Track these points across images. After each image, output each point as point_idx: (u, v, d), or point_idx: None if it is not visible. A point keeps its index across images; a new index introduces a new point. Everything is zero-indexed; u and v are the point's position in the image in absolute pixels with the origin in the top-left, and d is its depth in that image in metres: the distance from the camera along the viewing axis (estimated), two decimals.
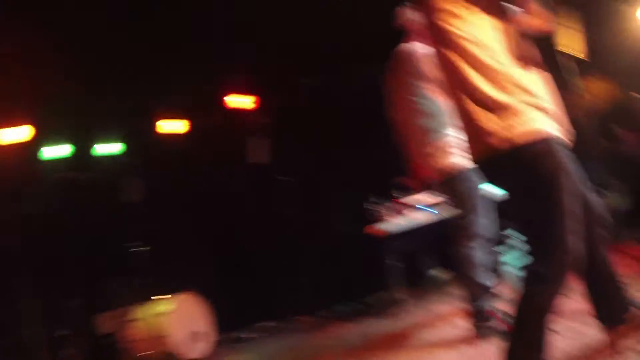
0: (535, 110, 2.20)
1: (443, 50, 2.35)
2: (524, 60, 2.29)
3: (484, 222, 3.85)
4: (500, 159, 2.19)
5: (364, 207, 6.15)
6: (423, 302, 5.76)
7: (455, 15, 2.27)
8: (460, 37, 2.25)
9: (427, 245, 6.55)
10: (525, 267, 2.23)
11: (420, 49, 3.89)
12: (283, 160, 7.81)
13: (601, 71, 7.02)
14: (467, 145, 2.42)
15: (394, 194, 6.01)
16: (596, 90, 6.90)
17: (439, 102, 3.78)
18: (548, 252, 2.13)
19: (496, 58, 2.22)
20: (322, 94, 7.64)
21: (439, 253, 6.58)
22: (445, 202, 4.42)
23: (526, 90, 2.21)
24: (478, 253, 3.76)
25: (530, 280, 2.19)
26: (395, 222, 5.58)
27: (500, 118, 2.17)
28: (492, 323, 3.58)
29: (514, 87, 2.20)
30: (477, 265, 3.73)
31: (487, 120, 2.20)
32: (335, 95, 7.71)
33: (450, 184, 3.88)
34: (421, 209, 5.71)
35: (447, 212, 4.30)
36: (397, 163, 5.18)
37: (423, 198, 5.82)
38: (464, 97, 2.28)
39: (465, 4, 2.27)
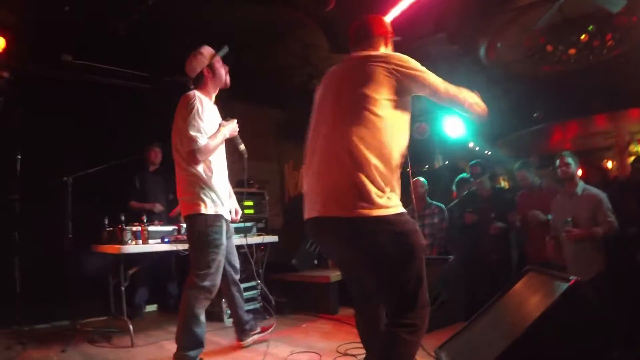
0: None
1: None
2: None
3: (233, 266, 4.80)
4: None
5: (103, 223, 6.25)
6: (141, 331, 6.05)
7: None
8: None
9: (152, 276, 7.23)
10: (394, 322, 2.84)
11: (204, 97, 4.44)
12: None
13: None
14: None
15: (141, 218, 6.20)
16: None
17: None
18: (417, 307, 2.83)
19: None
20: None
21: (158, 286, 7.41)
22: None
23: None
24: (204, 303, 4.28)
25: (405, 330, 2.78)
26: (133, 245, 5.67)
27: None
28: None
29: None
30: (198, 315, 4.22)
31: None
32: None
33: (194, 224, 4.31)
34: (162, 239, 5.93)
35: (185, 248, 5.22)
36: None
37: (166, 229, 6.12)
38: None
39: None
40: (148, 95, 7.96)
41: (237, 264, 4.98)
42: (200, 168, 4.30)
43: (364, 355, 3.50)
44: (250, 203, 7.37)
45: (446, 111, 9.57)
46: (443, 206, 7.51)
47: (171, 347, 4.99)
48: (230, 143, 4.73)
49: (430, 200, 7.49)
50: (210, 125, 4.38)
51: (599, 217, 5.52)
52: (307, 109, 8.19)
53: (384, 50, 3.32)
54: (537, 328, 3.45)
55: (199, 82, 4.54)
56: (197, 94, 4.37)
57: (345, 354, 4.72)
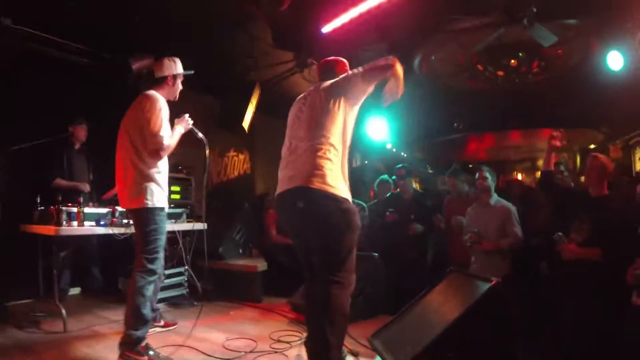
0: None
1: None
2: None
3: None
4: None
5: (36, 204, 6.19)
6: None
7: None
8: None
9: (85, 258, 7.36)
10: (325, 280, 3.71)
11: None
12: None
13: None
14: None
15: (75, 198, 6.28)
16: None
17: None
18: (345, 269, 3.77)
19: None
20: None
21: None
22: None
23: None
24: (152, 286, 4.64)
25: (335, 286, 3.68)
26: (70, 227, 5.70)
27: None
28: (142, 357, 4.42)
29: None
30: (147, 296, 4.57)
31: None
32: None
33: (144, 216, 4.62)
34: (97, 222, 5.97)
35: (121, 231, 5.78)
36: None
37: (101, 212, 6.10)
38: None
39: None
40: (85, 69, 7.82)
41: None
42: (154, 164, 4.61)
43: (297, 341, 4.33)
44: (177, 189, 7.47)
45: (370, 114, 10.10)
46: (364, 204, 7.97)
47: (105, 331, 5.27)
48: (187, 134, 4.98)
49: (352, 199, 7.87)
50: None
51: (507, 228, 6.18)
52: (240, 99, 8.42)
53: None
54: (462, 321, 3.91)
55: (159, 84, 4.80)
56: (158, 95, 4.67)
57: (279, 340, 5.06)
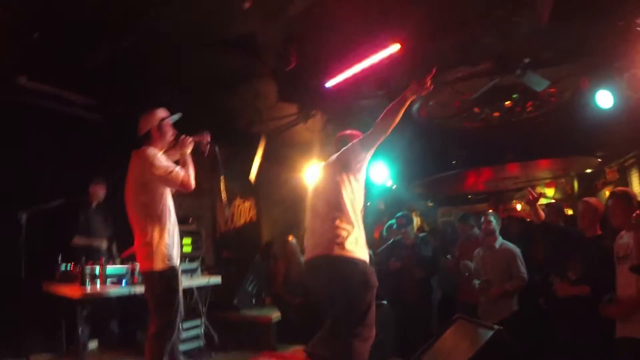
0: None
1: None
2: None
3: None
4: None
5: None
6: None
7: None
8: None
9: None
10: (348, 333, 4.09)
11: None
12: None
13: None
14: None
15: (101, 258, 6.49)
16: None
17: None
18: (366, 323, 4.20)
19: None
20: None
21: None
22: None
23: None
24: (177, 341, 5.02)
25: (357, 339, 4.08)
26: (93, 288, 5.89)
27: None
28: None
29: None
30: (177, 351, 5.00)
31: None
32: None
33: (161, 278, 4.69)
34: (119, 280, 6.19)
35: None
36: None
37: (121, 270, 6.35)
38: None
39: None
40: (97, 126, 8.17)
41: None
42: (160, 226, 4.71)
43: None
44: (188, 241, 7.47)
45: (372, 159, 10.48)
46: (371, 252, 8.30)
47: None
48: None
49: None
50: None
51: (512, 270, 6.60)
52: (245, 149, 8.78)
53: None
54: None
55: (147, 140, 4.90)
56: (150, 147, 4.82)
57: None
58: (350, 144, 4.58)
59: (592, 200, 5.71)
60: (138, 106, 7.63)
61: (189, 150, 4.94)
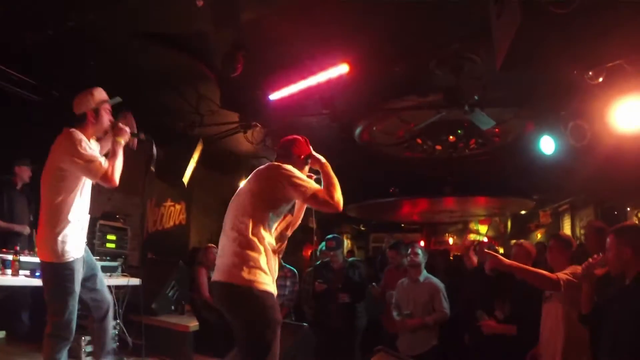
0: None
1: None
2: None
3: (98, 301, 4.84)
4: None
5: None
6: None
7: None
8: None
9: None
10: None
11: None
12: None
13: None
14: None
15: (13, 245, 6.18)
16: None
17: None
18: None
19: None
20: None
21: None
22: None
23: None
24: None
25: None
26: (4, 276, 5.60)
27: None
28: None
29: None
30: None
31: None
32: None
33: (53, 271, 4.40)
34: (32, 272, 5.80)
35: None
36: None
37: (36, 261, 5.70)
38: None
39: None
40: (32, 106, 7.88)
41: (105, 298, 4.96)
42: (62, 216, 4.38)
43: None
44: (113, 237, 7.25)
45: None
46: (295, 270, 8.25)
47: None
48: None
49: (284, 263, 8.10)
50: None
51: (435, 304, 6.63)
52: (183, 152, 8.68)
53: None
54: None
55: (81, 123, 4.54)
56: (77, 131, 4.44)
57: None
58: (280, 183, 3.93)
59: (525, 243, 5.95)
60: (77, 91, 7.61)
61: (123, 141, 4.58)
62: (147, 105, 8.07)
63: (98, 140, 4.78)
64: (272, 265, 3.89)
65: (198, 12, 5.54)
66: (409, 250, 7.01)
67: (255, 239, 3.78)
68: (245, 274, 3.66)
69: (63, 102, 7.58)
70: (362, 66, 6.44)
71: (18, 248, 6.04)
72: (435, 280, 6.84)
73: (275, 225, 4.07)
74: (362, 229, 21.39)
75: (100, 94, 4.68)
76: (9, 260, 5.71)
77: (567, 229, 15.00)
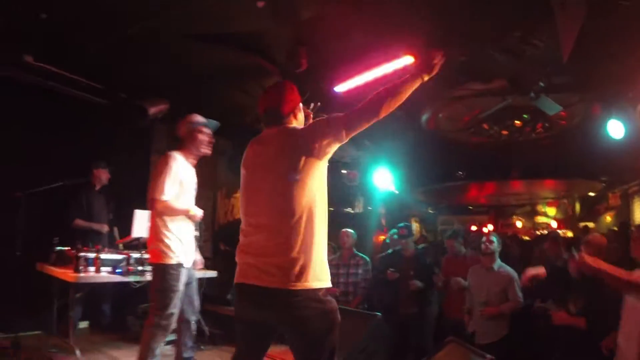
0: None
1: None
2: None
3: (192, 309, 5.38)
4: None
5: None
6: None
7: None
8: None
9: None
10: None
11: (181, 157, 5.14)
12: None
13: None
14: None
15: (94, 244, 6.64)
16: None
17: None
18: None
19: None
20: None
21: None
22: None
23: None
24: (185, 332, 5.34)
25: None
26: (87, 274, 5.98)
27: None
28: None
29: None
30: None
31: None
32: None
33: (163, 271, 4.96)
34: (113, 269, 6.27)
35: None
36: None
37: (117, 258, 6.42)
38: None
39: None
40: (102, 110, 8.22)
41: (195, 305, 5.54)
42: (167, 220, 5.01)
43: None
44: None
45: (377, 164, 10.54)
46: (368, 258, 8.32)
47: None
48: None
49: (356, 252, 8.22)
50: (185, 183, 5.12)
51: (509, 294, 6.58)
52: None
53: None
54: None
55: (180, 144, 5.22)
56: (175, 154, 5.09)
57: None
58: (318, 119, 3.40)
59: (593, 238, 5.78)
60: (143, 94, 7.84)
61: (192, 213, 5.17)
62: (213, 102, 8.27)
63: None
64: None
65: (259, 12, 5.62)
66: (484, 238, 6.96)
67: (314, 227, 3.20)
68: (310, 277, 3.12)
69: (130, 104, 7.94)
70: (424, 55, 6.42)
71: (100, 247, 6.50)
72: (509, 269, 6.78)
73: None
74: (430, 212, 21.31)
75: (196, 118, 5.25)
76: (92, 258, 6.09)
77: (637, 212, 14.68)
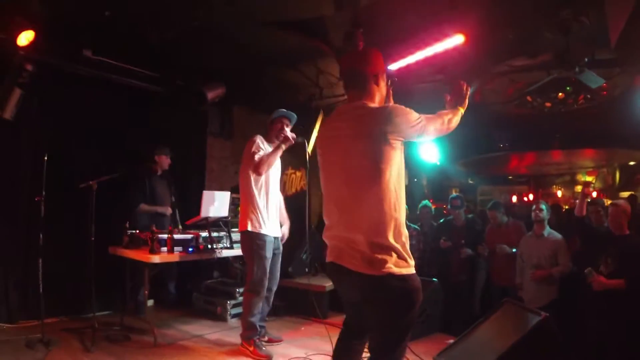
0: None
1: None
2: None
3: (271, 279, 6.19)
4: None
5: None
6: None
7: None
8: None
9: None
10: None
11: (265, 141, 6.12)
12: None
13: None
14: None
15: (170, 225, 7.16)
16: None
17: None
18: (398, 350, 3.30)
19: None
20: None
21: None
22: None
23: None
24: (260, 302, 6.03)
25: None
26: (162, 254, 6.35)
27: None
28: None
29: None
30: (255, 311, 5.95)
31: None
32: None
33: (250, 240, 5.95)
34: (185, 248, 6.61)
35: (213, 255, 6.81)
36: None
37: (187, 237, 6.81)
38: None
39: None
40: (160, 97, 8.59)
41: (276, 276, 6.38)
42: (255, 193, 5.93)
43: None
44: None
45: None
46: (419, 228, 8.70)
47: (192, 345, 6.18)
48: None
49: (408, 223, 8.54)
50: None
51: (559, 259, 6.97)
52: (303, 122, 9.23)
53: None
54: (514, 352, 4.79)
55: (265, 131, 6.23)
56: (258, 136, 6.11)
57: None
58: (402, 114, 3.28)
59: (620, 203, 6.23)
60: (200, 79, 8.23)
61: (284, 146, 5.96)
62: (269, 82, 8.60)
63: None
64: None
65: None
66: (534, 206, 7.30)
67: (398, 209, 3.29)
68: (397, 261, 3.19)
69: (189, 90, 8.30)
70: (475, 33, 6.66)
71: (165, 225, 7.17)
72: (558, 235, 7.12)
73: None
74: (470, 182, 21.48)
75: (279, 112, 6.24)
76: (165, 239, 6.53)
77: None
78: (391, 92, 3.94)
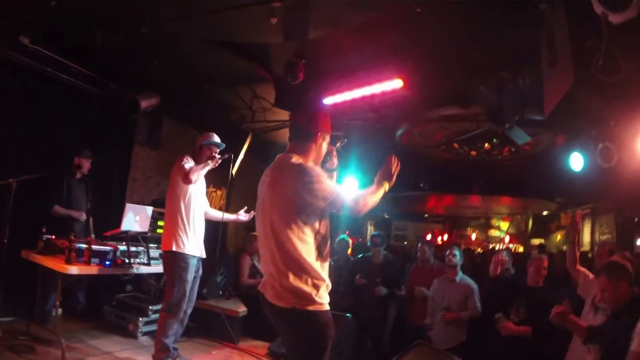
0: None
1: None
2: None
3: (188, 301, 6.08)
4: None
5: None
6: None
7: None
8: None
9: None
10: None
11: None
12: None
13: None
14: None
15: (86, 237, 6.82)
16: None
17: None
18: None
19: None
20: None
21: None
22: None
23: None
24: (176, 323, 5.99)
25: None
26: (78, 265, 6.02)
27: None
28: None
29: None
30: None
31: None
32: None
33: (174, 261, 5.88)
34: (102, 261, 6.34)
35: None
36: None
37: (105, 249, 6.48)
38: None
39: None
40: (92, 99, 8.36)
41: (193, 298, 6.30)
42: (182, 211, 5.99)
43: None
44: (162, 223, 7.02)
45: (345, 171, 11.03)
46: (332, 263, 8.82)
47: None
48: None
49: None
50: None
51: (469, 303, 7.22)
52: (230, 143, 9.24)
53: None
54: None
55: (194, 152, 6.32)
56: (188, 156, 6.15)
57: None
58: (308, 179, 3.43)
59: (542, 257, 6.73)
60: (135, 86, 8.14)
61: (210, 166, 6.10)
62: (204, 99, 8.63)
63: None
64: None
65: (271, 27, 5.98)
66: (447, 251, 7.53)
67: (311, 255, 3.50)
68: (311, 300, 3.41)
69: (122, 95, 8.18)
70: (413, 79, 6.88)
71: (76, 232, 7.04)
72: (470, 281, 7.40)
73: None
74: (386, 216, 21.86)
75: (206, 137, 6.33)
76: (83, 249, 6.21)
77: (586, 233, 15.43)
78: (335, 152, 4.07)
